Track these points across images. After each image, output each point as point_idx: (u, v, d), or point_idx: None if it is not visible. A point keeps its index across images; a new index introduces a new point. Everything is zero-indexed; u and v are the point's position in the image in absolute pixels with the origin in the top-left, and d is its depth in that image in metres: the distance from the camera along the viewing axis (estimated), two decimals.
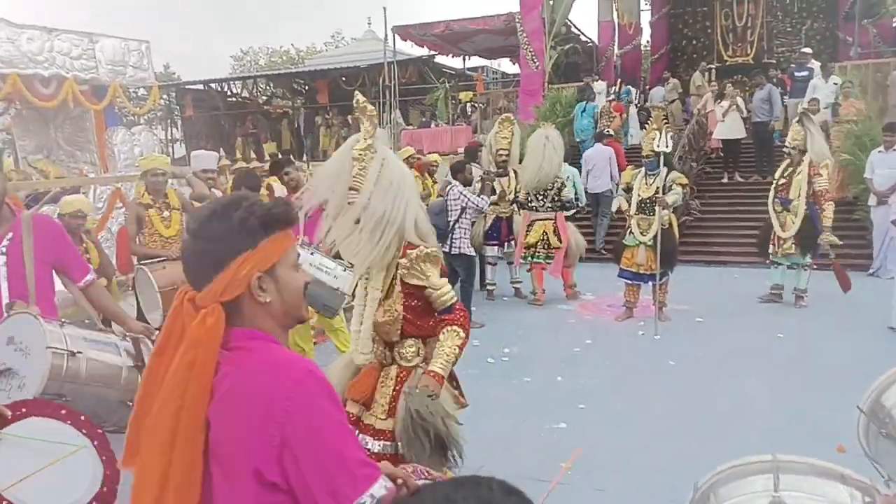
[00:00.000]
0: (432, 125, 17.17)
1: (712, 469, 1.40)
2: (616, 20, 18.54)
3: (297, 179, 5.52)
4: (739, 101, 12.09)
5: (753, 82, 12.69)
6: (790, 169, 7.20)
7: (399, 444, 2.63)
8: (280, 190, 6.51)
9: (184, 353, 1.24)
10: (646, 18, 19.85)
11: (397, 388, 2.75)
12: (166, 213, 5.53)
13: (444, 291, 2.70)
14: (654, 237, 6.50)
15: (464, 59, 20.60)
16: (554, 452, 3.98)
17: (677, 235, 6.76)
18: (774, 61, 17.26)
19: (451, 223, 6.94)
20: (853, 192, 9.94)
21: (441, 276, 2.72)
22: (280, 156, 12.78)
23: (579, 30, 18.36)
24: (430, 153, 11.15)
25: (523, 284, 8.18)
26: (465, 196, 6.95)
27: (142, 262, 5.00)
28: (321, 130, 18.90)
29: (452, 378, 2.90)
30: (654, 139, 6.45)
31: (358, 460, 1.24)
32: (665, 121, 7.27)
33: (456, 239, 6.93)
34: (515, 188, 7.91)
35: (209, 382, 1.24)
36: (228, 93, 22.25)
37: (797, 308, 7.24)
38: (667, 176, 6.52)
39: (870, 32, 15.39)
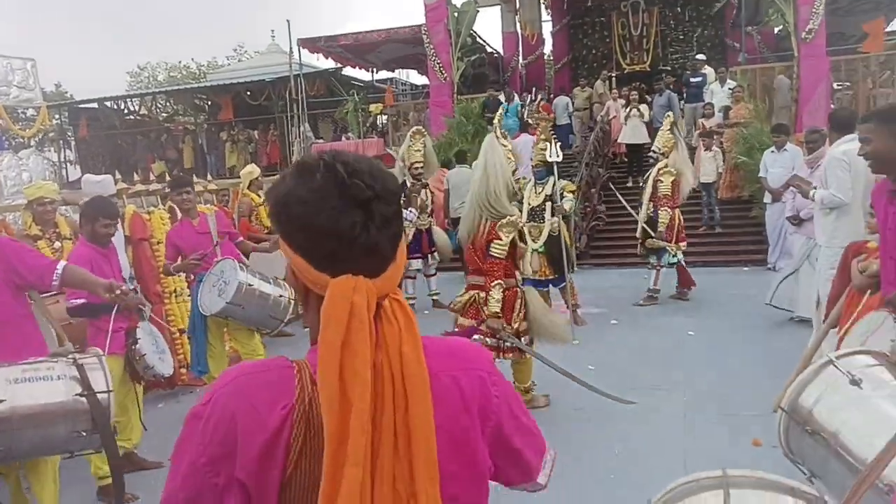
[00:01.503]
0: (343, 138, 16.98)
1: (654, 481, 1.38)
2: (519, 31, 18.97)
3: (191, 201, 5.20)
4: (642, 107, 12.59)
5: (654, 89, 13.23)
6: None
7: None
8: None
9: (414, 345, 0.99)
10: (547, 29, 20.41)
11: (520, 304, 4.70)
12: (57, 244, 5.17)
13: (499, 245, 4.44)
14: (545, 243, 6.64)
15: (372, 72, 20.53)
16: None
17: (568, 241, 6.94)
18: (669, 68, 18.10)
19: None
20: (749, 191, 10.50)
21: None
22: (167, 176, 12.24)
23: (484, 41, 18.65)
24: None
25: (440, 296, 8.18)
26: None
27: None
28: (227, 146, 18.34)
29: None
30: (544, 150, 6.57)
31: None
32: (552, 131, 7.52)
33: None
34: (432, 199, 7.93)
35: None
36: (125, 111, 21.25)
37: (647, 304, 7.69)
38: (555, 185, 6.62)
39: (755, 39, 16.39)
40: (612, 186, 9.88)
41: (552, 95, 17.48)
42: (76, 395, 2.76)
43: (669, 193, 7.46)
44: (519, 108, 13.50)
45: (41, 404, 2.70)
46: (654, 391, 5.03)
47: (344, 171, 0.99)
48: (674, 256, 7.61)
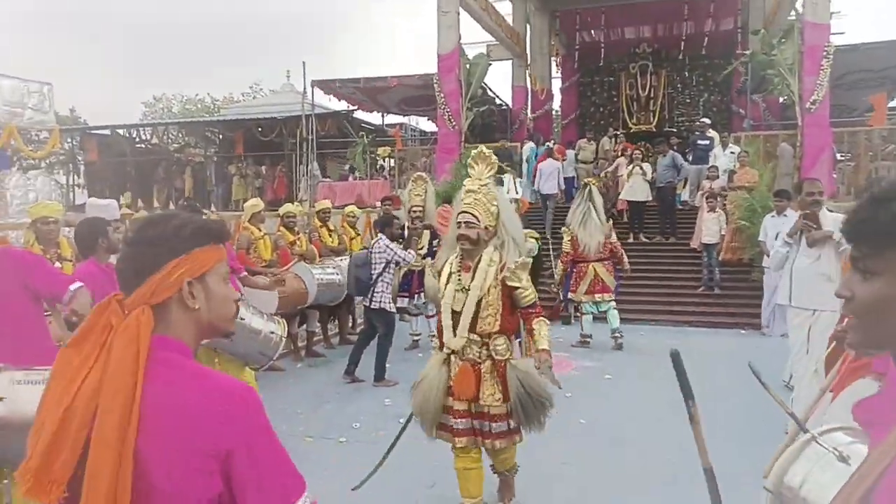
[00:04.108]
0: (350, 178, 17.15)
1: None
2: (529, 86, 19.34)
3: None
4: (645, 165, 12.75)
5: (657, 150, 13.42)
6: None
7: (511, 420, 3.54)
8: None
9: (123, 347, 1.23)
10: (557, 85, 20.84)
11: (500, 378, 3.52)
12: (58, 265, 5.18)
13: (531, 291, 3.56)
14: None
15: (382, 116, 20.86)
16: None
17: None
18: (675, 130, 18.39)
19: (375, 276, 6.83)
20: (749, 254, 10.53)
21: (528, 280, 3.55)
22: (171, 204, 12.32)
23: (494, 93, 19.00)
24: (345, 205, 11.10)
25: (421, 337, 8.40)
26: (392, 250, 6.88)
27: None
28: (234, 180, 18.51)
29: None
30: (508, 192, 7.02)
31: (292, 471, 1.31)
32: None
33: (377, 293, 6.81)
34: (429, 243, 7.99)
35: (141, 385, 1.23)
36: (137, 139, 21.53)
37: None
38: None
39: (760, 106, 16.68)
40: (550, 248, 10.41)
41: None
42: None
43: (568, 249, 8.43)
44: (548, 147, 15.03)
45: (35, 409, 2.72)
46: (645, 452, 4.96)
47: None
48: (593, 306, 8.42)
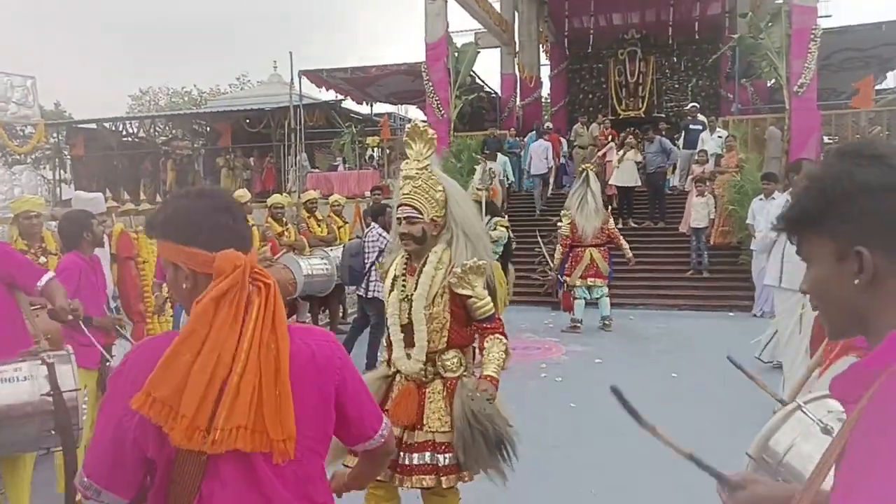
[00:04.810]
0: (339, 169, 17.08)
1: None
2: (518, 73, 19.28)
3: None
4: (635, 152, 12.77)
5: (644, 136, 13.44)
6: None
7: (458, 452, 2.74)
8: None
9: (270, 306, 1.36)
10: (545, 73, 20.78)
11: (449, 399, 2.81)
12: (42, 259, 5.14)
13: (487, 301, 2.86)
14: None
15: (371, 105, 20.75)
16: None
17: (500, 282, 7.17)
18: (664, 115, 18.39)
19: (368, 265, 6.80)
20: (737, 237, 10.58)
21: (484, 287, 2.87)
22: (158, 196, 12.24)
23: (483, 81, 18.93)
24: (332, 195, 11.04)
25: None
26: (386, 238, 6.80)
27: None
28: (223, 172, 18.40)
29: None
30: (479, 190, 7.17)
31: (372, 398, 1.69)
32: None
33: (371, 282, 6.76)
34: None
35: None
36: (123, 133, 21.34)
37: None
38: (490, 220, 7.06)
39: (748, 91, 16.70)
40: (538, 235, 10.41)
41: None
42: (42, 394, 2.84)
43: (566, 233, 8.46)
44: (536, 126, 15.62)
45: (6, 405, 2.77)
46: (634, 433, 4.98)
47: (215, 190, 1.51)
48: (585, 291, 8.47)
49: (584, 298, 8.50)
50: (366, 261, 6.83)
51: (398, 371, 2.90)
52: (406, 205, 2.82)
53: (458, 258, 2.82)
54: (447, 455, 2.77)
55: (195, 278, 1.40)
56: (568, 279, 8.52)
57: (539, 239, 10.14)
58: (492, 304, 2.88)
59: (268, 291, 1.37)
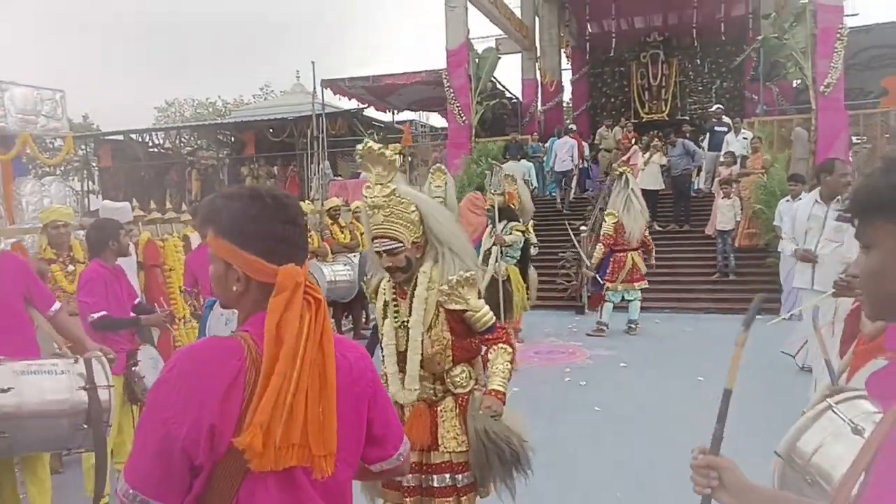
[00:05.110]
0: (362, 176, 17.17)
1: None
2: (539, 78, 19.25)
3: None
4: (659, 155, 12.67)
5: (668, 140, 13.33)
6: None
7: (475, 470, 2.67)
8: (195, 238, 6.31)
9: (321, 317, 1.40)
10: (567, 77, 20.71)
11: (462, 416, 2.71)
12: (70, 268, 5.22)
13: (485, 313, 2.70)
14: (487, 288, 6.55)
15: (392, 113, 20.85)
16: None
17: (518, 286, 7.28)
18: (687, 118, 18.21)
19: None
20: (764, 239, 10.42)
21: (478, 297, 2.74)
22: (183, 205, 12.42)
23: (504, 87, 18.93)
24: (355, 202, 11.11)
25: None
26: None
27: None
28: (247, 181, 18.60)
29: None
30: (494, 195, 7.22)
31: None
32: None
33: None
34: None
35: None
36: (150, 143, 21.69)
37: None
38: (506, 225, 7.13)
39: (773, 92, 16.48)
40: (573, 233, 10.25)
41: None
42: (80, 387, 2.93)
43: (610, 232, 8.21)
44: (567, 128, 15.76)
45: (47, 394, 2.87)
46: (659, 436, 4.92)
47: (281, 197, 1.45)
48: (620, 295, 8.35)
49: (614, 302, 8.41)
50: None
51: None
52: (382, 237, 2.60)
53: (447, 275, 2.64)
54: (465, 474, 2.70)
55: (248, 283, 1.40)
56: (610, 284, 8.31)
57: (572, 236, 10.04)
58: (491, 314, 2.72)
59: (318, 306, 1.39)
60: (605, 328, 8.41)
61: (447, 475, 2.70)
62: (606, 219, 8.36)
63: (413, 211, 2.61)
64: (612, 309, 8.43)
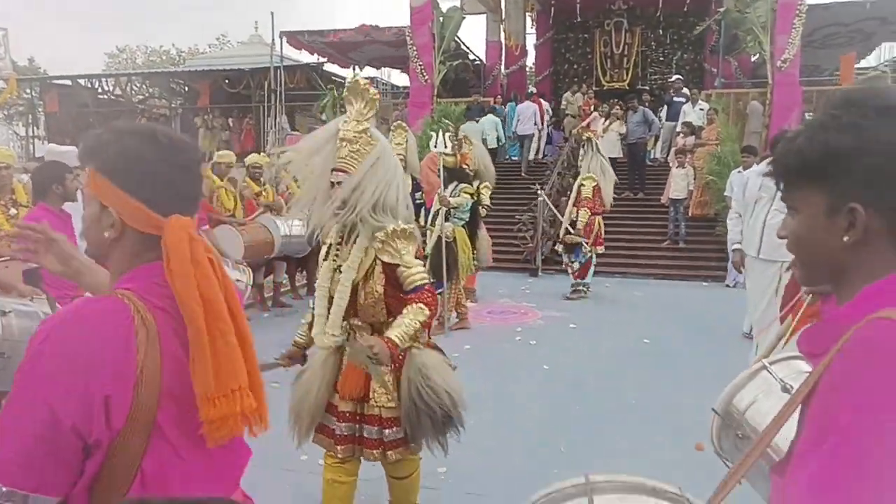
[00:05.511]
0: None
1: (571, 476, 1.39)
2: (503, 41, 19.09)
3: None
4: (622, 121, 12.79)
5: (628, 106, 13.43)
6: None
7: (405, 427, 2.67)
8: None
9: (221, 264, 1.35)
10: (531, 41, 20.59)
11: (397, 373, 2.67)
12: (13, 211, 5.04)
13: (415, 272, 2.61)
14: (433, 248, 6.56)
15: (353, 69, 20.46)
16: (431, 458, 3.92)
17: (457, 250, 6.93)
18: (647, 87, 18.35)
19: None
20: (715, 209, 10.67)
21: (416, 256, 2.66)
22: None
23: (468, 48, 18.72)
24: None
25: None
26: None
27: None
28: (201, 132, 18.12)
29: (437, 347, 2.91)
30: (448, 156, 6.97)
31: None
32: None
33: None
34: (412, 196, 7.88)
35: None
36: (99, 90, 20.87)
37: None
38: (456, 187, 6.91)
39: (732, 65, 16.71)
40: (545, 195, 10.25)
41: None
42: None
43: (590, 196, 8.16)
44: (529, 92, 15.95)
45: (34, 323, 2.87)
46: (604, 394, 5.06)
47: (176, 139, 1.31)
48: (586, 255, 8.33)
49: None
50: None
51: (349, 337, 2.72)
52: (341, 170, 2.58)
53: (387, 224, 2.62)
54: (393, 429, 2.69)
55: (122, 230, 1.26)
56: (600, 249, 8.40)
57: (548, 202, 10.05)
58: (421, 274, 2.63)
59: (218, 263, 1.31)
60: (583, 288, 8.53)
61: (375, 428, 2.70)
62: (585, 182, 8.29)
63: (374, 156, 2.61)
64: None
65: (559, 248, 8.73)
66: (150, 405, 1.16)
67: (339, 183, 2.58)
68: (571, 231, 8.24)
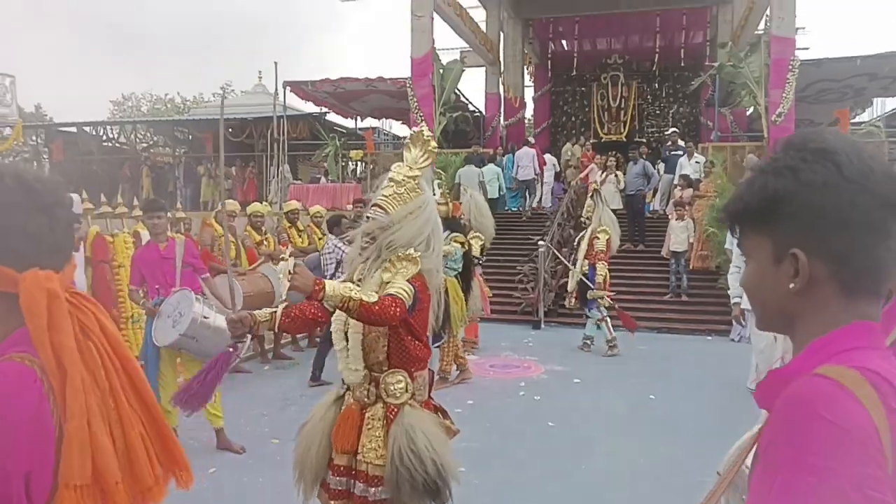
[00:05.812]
0: (322, 181, 17.03)
1: None
2: (502, 93, 19.44)
3: (162, 226, 5.14)
4: (619, 174, 12.92)
5: (629, 156, 13.59)
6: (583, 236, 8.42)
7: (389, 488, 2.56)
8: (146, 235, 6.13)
9: (109, 319, 1.27)
10: (529, 94, 20.96)
11: (388, 427, 2.60)
12: None
13: (398, 283, 2.50)
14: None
15: (355, 120, 20.75)
16: None
17: (450, 301, 6.84)
18: (644, 140, 18.63)
19: (328, 277, 6.71)
20: (716, 262, 10.68)
21: (409, 283, 2.57)
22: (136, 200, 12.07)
23: (468, 99, 19.04)
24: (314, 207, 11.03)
25: None
26: (341, 249, 6.59)
27: None
28: (203, 180, 18.24)
29: (440, 409, 2.88)
30: (441, 204, 6.77)
31: None
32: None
33: None
34: None
35: None
36: (104, 137, 21.11)
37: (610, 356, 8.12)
38: (448, 235, 6.73)
39: (727, 119, 16.98)
40: (548, 245, 10.22)
41: None
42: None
43: (604, 249, 8.07)
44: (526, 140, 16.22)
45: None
46: (609, 454, 4.97)
47: (30, 179, 1.13)
48: (603, 310, 8.20)
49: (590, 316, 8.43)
50: (325, 273, 6.70)
51: (349, 388, 2.73)
52: (380, 206, 2.60)
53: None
54: (379, 489, 2.58)
55: None
56: (609, 301, 8.27)
57: (555, 251, 10.00)
58: (403, 290, 2.48)
59: (95, 309, 1.19)
60: (589, 343, 8.48)
61: (362, 485, 2.61)
62: (600, 235, 8.20)
63: (416, 205, 2.64)
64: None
65: (570, 302, 8.56)
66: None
67: (369, 217, 2.62)
68: (589, 283, 8.08)
